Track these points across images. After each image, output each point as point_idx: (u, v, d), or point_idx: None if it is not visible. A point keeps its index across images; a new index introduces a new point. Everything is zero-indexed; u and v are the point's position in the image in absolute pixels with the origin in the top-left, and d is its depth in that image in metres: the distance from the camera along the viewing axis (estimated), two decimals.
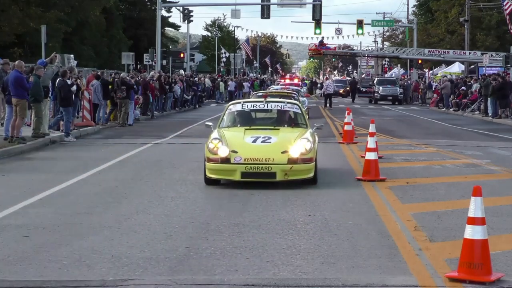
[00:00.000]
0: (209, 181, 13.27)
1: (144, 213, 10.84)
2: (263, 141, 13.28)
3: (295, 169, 12.94)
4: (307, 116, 22.16)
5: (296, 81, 73.84)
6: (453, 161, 18.29)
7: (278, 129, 14.17)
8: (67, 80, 22.97)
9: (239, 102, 15.38)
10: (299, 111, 15.10)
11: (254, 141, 13.31)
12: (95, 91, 27.63)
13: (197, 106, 47.62)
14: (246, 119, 14.78)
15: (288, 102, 15.39)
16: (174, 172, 15.21)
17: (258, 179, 12.88)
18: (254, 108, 15.11)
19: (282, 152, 12.99)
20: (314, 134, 14.18)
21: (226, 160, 12.93)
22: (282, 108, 15.06)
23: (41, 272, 7.65)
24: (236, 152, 12.97)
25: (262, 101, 15.13)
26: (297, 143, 13.13)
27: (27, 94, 20.31)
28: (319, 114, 40.92)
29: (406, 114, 44.16)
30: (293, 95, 26.40)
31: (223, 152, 12.96)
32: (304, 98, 36.48)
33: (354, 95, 65.41)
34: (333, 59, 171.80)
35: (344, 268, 7.85)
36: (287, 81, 71.94)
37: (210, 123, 14.88)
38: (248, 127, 14.17)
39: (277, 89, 36.97)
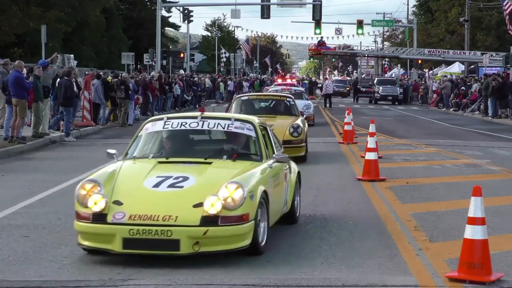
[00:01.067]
0: (88, 249, 8.22)
1: None
2: (171, 185, 8.20)
3: (213, 235, 7.78)
4: (306, 127, 18.20)
5: (290, 81, 70.42)
6: (453, 161, 18.29)
7: (210, 163, 8.90)
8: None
9: (161, 119, 9.74)
10: (252, 133, 9.49)
11: (158, 184, 8.23)
12: (96, 91, 27.63)
13: (197, 106, 47.64)
14: (165, 146, 9.55)
15: (237, 119, 9.67)
16: None
17: (150, 251, 7.81)
18: (182, 128, 9.55)
19: (195, 206, 7.90)
20: (270, 172, 9.04)
21: (100, 217, 7.91)
22: (226, 129, 9.56)
23: (41, 272, 7.65)
24: (120, 203, 7.99)
25: (196, 118, 9.61)
26: (221, 190, 7.98)
27: (27, 94, 20.33)
28: (319, 114, 40.91)
29: (406, 114, 44.16)
30: (288, 99, 20.20)
31: (96, 203, 7.97)
32: (309, 101, 32.33)
33: (356, 95, 65.17)
34: (333, 59, 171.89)
35: (344, 268, 7.85)
36: (287, 81, 68.89)
37: (113, 151, 9.40)
38: (164, 159, 9.08)
39: (276, 90, 32.17)
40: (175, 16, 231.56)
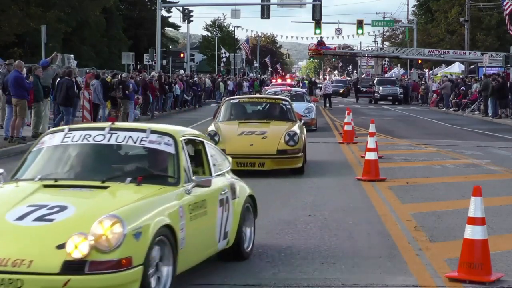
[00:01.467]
0: None
1: None
2: (39, 218, 6.29)
3: (78, 286, 5.86)
4: (304, 135, 16.34)
5: (289, 81, 68.22)
6: (453, 161, 18.29)
7: (107, 187, 6.90)
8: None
9: (61, 130, 7.77)
10: (171, 149, 7.35)
11: (23, 216, 6.33)
12: (95, 91, 27.64)
13: (197, 106, 47.68)
14: (59, 165, 7.51)
15: (154, 131, 7.49)
16: None
17: None
18: (85, 141, 7.48)
19: (58, 247, 5.97)
20: (187, 199, 7.07)
21: None
22: (138, 143, 7.43)
23: None
24: None
25: (103, 129, 7.53)
26: (94, 226, 6.04)
27: (27, 94, 20.34)
28: (319, 114, 40.88)
29: (406, 114, 44.15)
30: (284, 102, 17.55)
31: None
32: (311, 104, 29.09)
33: (358, 95, 65.54)
34: (333, 59, 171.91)
35: (344, 268, 7.85)
36: (283, 81, 66.56)
37: (0, 170, 8.08)
38: (52, 182, 7.15)
39: (275, 92, 29.32)
40: (175, 16, 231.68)
